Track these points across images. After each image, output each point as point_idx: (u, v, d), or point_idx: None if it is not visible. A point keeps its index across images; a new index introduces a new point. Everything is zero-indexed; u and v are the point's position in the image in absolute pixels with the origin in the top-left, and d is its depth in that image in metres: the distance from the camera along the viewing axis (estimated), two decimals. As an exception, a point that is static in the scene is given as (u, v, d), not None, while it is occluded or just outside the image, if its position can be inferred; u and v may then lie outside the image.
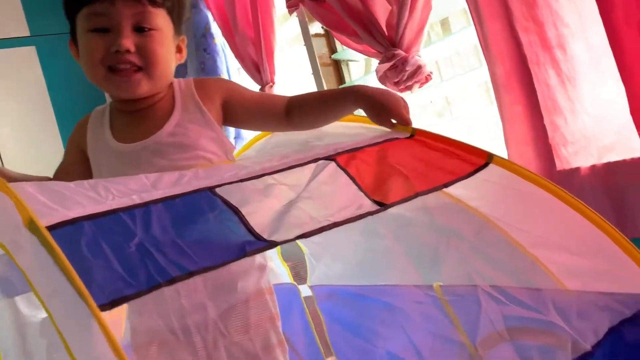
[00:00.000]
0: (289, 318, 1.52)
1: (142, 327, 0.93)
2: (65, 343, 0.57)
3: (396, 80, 1.65)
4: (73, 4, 1.02)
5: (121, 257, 0.61)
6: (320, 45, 2.16)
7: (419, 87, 1.67)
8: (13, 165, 2.89)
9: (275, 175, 0.85)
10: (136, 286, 0.56)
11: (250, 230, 0.71)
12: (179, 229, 0.68)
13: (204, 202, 0.75)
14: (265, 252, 1.21)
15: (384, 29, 1.73)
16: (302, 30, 2.18)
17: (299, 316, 1.53)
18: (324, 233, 1.37)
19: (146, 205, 0.71)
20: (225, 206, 0.74)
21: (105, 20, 0.98)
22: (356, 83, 2.09)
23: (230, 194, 0.77)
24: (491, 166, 0.97)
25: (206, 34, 2.66)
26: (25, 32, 3.11)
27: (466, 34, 1.70)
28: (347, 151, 0.95)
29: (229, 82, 1.17)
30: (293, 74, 2.38)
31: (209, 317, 0.96)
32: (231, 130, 2.28)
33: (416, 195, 0.89)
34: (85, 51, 1.01)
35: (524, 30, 1.39)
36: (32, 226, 0.62)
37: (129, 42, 0.97)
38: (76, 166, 1.12)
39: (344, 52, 2.14)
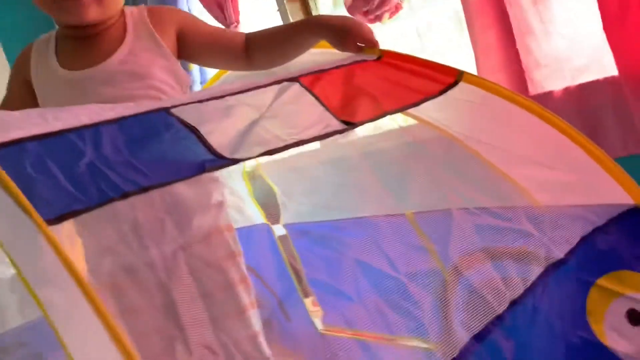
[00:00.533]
0: (264, 258, 1.51)
1: (94, 245, 0.90)
2: (13, 263, 0.54)
3: (365, 9, 1.59)
4: None
5: (69, 175, 0.57)
6: (293, 10, 2.07)
7: (389, 17, 1.62)
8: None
9: (236, 96, 0.80)
10: (85, 202, 0.53)
11: (209, 148, 0.68)
12: (132, 149, 0.64)
13: (159, 122, 0.71)
14: (230, 191, 1.18)
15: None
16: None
17: (274, 256, 1.52)
18: (295, 167, 1.35)
19: (96, 125, 0.66)
20: (181, 125, 0.70)
21: None
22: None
23: (187, 114, 0.73)
24: (461, 84, 0.93)
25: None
26: None
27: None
28: (312, 73, 0.91)
29: (185, 12, 1.11)
30: (258, 13, 2.29)
31: (166, 253, 0.94)
32: (197, 76, 2.21)
33: (384, 114, 0.86)
34: None
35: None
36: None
37: None
38: (21, 99, 1.05)
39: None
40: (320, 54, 1.12)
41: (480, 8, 1.40)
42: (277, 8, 2.10)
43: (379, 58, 1.00)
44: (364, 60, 1.00)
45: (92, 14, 0.96)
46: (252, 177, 1.49)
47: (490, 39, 1.40)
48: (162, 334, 0.95)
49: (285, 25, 1.10)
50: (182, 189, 0.96)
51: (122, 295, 0.96)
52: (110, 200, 0.54)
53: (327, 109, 0.84)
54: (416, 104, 0.91)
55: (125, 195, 0.55)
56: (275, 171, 1.44)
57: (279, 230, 1.49)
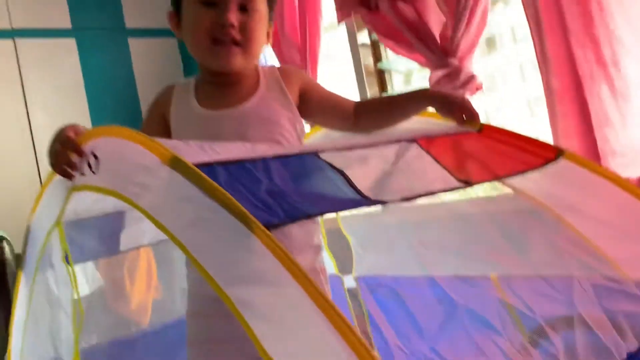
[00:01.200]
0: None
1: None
2: (205, 272, 0.62)
3: (449, 88, 1.71)
4: None
5: (256, 196, 0.66)
6: (365, 55, 2.23)
7: (470, 95, 1.73)
8: (44, 154, 2.96)
9: (366, 149, 0.90)
10: (280, 217, 0.61)
11: (355, 189, 0.77)
12: (296, 182, 0.74)
13: (312, 163, 0.81)
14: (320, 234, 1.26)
15: (438, 39, 1.80)
16: (349, 39, 2.26)
17: (342, 308, 1.57)
18: (375, 221, 1.42)
19: (264, 159, 0.76)
20: (331, 168, 0.80)
21: None
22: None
23: (333, 158, 0.82)
24: (561, 160, 1.02)
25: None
26: (67, 24, 3.18)
27: (513, 52, 1.77)
28: (425, 137, 1.01)
29: (308, 76, 1.24)
30: (335, 82, 2.45)
31: None
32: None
33: (496, 178, 0.95)
34: (192, 21, 1.07)
35: (580, 46, 1.46)
36: (174, 163, 0.68)
37: (234, 17, 1.04)
38: (156, 131, 1.16)
39: (389, 62, 2.21)
40: (416, 122, 1.23)
41: (561, 95, 1.50)
42: (355, 79, 2.25)
43: (479, 130, 1.10)
44: (467, 132, 1.10)
45: (238, 62, 1.08)
46: (328, 228, 1.57)
47: (569, 125, 1.49)
48: None
49: (394, 95, 1.22)
50: (294, 228, 1.04)
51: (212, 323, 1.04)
52: (299, 217, 0.62)
53: (445, 168, 0.93)
54: (521, 173, 0.99)
55: (309, 216, 0.64)
56: (353, 223, 1.51)
57: (348, 281, 1.55)
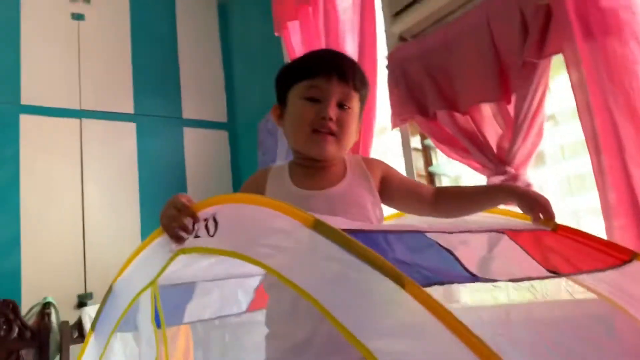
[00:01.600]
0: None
1: None
2: (341, 326, 0.68)
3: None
4: (297, 75, 1.26)
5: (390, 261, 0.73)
6: (416, 158, 2.37)
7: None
8: (92, 226, 3.06)
9: (462, 234, 0.98)
10: (420, 281, 0.68)
11: (465, 268, 0.84)
12: (413, 254, 0.81)
13: (422, 239, 0.88)
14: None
15: (494, 148, 1.93)
16: (402, 143, 2.40)
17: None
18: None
19: (385, 232, 0.84)
20: (439, 246, 0.87)
21: (319, 92, 1.23)
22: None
23: (437, 238, 0.90)
24: (635, 262, 1.09)
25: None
26: (130, 109, 3.42)
27: (571, 163, 1.88)
28: (511, 230, 1.09)
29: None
30: (382, 155, 2.56)
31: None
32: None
33: (581, 272, 1.01)
34: (297, 113, 1.24)
35: (636, 166, 1.56)
36: (317, 226, 0.76)
37: (333, 112, 1.21)
38: None
39: (439, 166, 2.34)
40: (487, 217, 1.31)
41: (617, 209, 1.58)
42: (402, 154, 2.38)
43: (554, 229, 1.18)
44: (543, 229, 1.17)
45: (332, 151, 1.23)
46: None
47: (626, 238, 1.56)
48: None
49: (476, 186, 1.33)
50: None
51: None
52: (439, 283, 0.69)
53: (534, 258, 1.00)
54: (601, 270, 1.06)
55: (441, 283, 0.71)
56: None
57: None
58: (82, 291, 2.97)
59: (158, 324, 1.19)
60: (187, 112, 3.59)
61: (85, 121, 3.24)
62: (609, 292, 1.08)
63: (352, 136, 1.26)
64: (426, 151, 2.40)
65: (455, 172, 2.33)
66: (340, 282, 0.72)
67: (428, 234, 0.91)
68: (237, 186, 3.48)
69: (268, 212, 0.86)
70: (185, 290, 1.55)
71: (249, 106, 3.53)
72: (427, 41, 2.20)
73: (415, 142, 2.40)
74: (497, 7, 1.94)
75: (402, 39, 2.39)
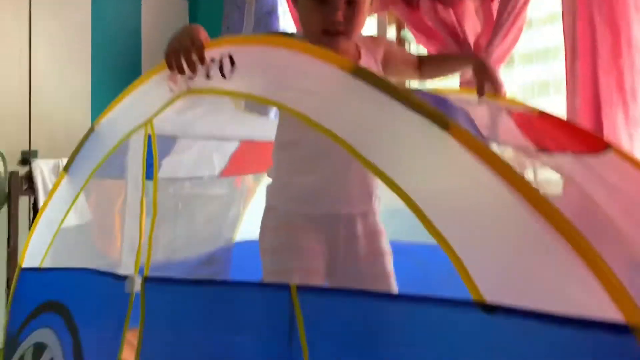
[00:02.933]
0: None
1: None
2: (375, 169, 0.72)
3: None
4: None
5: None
6: None
7: (493, 100, 1.91)
8: (39, 83, 2.90)
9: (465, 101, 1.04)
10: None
11: (478, 129, 0.90)
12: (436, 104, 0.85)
13: (440, 99, 0.93)
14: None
15: (472, 45, 1.97)
16: (378, 31, 2.40)
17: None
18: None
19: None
20: (456, 106, 0.92)
21: None
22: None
23: (452, 100, 0.95)
24: (610, 153, 1.19)
25: (271, 13, 2.82)
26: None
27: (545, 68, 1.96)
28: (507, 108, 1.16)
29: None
30: None
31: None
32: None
33: (566, 152, 1.10)
34: (306, 15, 1.21)
35: (605, 73, 1.66)
36: (357, 71, 0.78)
37: (341, 15, 1.17)
38: None
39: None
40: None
41: (581, 115, 1.70)
42: None
43: (540, 114, 1.25)
44: (529, 113, 1.25)
45: (342, 46, 1.21)
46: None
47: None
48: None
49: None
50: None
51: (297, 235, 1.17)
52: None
53: (526, 137, 1.08)
54: (583, 155, 1.15)
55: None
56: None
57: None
58: (26, 148, 2.86)
59: (148, 175, 1.18)
60: (148, -23, 3.36)
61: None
62: (582, 175, 1.19)
63: (362, 25, 1.24)
64: (400, 42, 2.41)
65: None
66: (379, 126, 0.75)
67: (442, 95, 0.95)
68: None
69: (298, 55, 0.86)
70: (165, 145, 1.53)
71: (214, -24, 3.34)
72: None
73: (391, 32, 2.40)
74: None
75: None
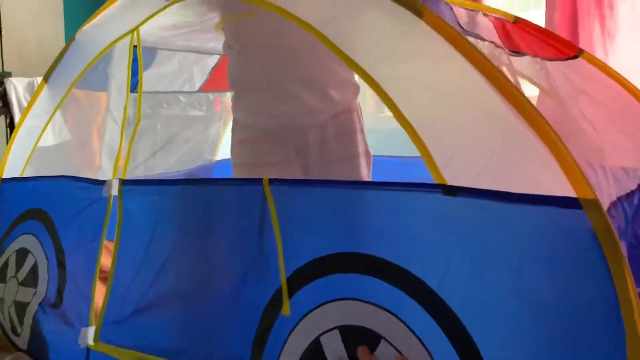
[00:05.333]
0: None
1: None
2: (347, 58, 0.72)
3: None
4: None
5: None
6: None
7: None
8: (11, 4, 2.80)
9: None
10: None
11: (458, 22, 0.90)
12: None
13: None
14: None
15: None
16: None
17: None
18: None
19: None
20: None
21: None
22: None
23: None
24: (580, 59, 1.21)
25: None
26: None
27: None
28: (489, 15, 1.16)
29: None
30: None
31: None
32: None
33: (537, 57, 1.12)
34: None
35: (584, -16, 1.66)
36: None
37: None
38: None
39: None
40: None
41: (558, 27, 1.70)
42: None
43: (515, 22, 1.26)
44: (505, 20, 1.25)
45: None
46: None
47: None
48: None
49: None
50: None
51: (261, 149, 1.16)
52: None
53: (500, 38, 1.09)
54: (552, 60, 1.17)
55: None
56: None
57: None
58: (-1, 70, 2.81)
59: (132, 88, 1.18)
60: None
61: None
62: (551, 77, 1.21)
63: None
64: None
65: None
66: (353, 16, 0.75)
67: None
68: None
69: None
70: (145, 57, 1.51)
71: None
72: None
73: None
74: None
75: None
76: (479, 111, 0.67)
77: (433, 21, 0.68)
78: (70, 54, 1.32)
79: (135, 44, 1.15)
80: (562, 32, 1.70)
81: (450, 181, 0.66)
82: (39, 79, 2.06)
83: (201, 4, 1.11)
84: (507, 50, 1.05)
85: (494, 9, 1.32)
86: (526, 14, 2.00)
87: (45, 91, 1.38)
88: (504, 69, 0.91)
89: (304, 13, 0.82)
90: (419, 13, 0.69)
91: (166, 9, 1.07)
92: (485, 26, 1.04)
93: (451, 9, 0.90)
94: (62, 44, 2.92)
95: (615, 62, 1.63)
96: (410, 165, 1.55)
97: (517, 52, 1.06)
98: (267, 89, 1.13)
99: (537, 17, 1.86)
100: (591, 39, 1.65)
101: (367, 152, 1.22)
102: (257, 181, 0.83)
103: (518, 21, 1.25)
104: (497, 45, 0.95)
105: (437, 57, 0.68)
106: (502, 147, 0.65)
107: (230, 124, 2.03)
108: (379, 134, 1.57)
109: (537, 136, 0.61)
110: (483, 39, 0.91)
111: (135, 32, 1.13)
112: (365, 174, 1.20)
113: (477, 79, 0.65)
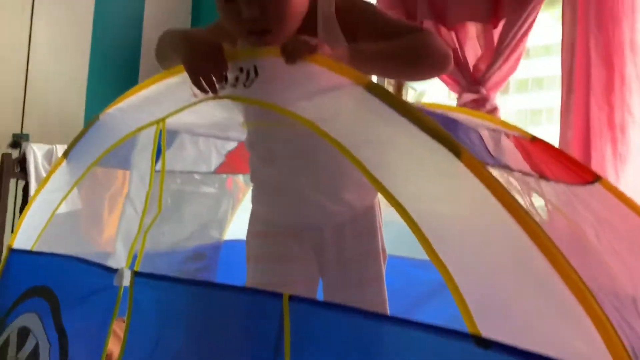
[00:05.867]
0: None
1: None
2: (382, 187, 0.74)
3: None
4: None
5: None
6: None
7: (487, 124, 1.95)
8: (37, 67, 2.89)
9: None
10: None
11: (488, 150, 0.93)
12: (452, 129, 0.88)
13: (447, 119, 0.96)
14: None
15: (471, 68, 2.02)
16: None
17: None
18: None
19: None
20: (467, 126, 0.95)
21: None
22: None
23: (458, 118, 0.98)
24: (597, 185, 1.23)
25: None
26: (95, -51, 3.16)
27: (538, 97, 2.01)
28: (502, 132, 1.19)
29: (370, 8, 1.11)
30: None
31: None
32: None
33: (559, 181, 1.14)
34: (223, 17, 1.04)
35: (598, 108, 1.72)
36: (371, 86, 0.80)
37: (254, 9, 0.96)
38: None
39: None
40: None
41: (572, 146, 1.75)
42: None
43: (532, 140, 1.29)
44: (523, 137, 1.29)
45: (277, 42, 0.95)
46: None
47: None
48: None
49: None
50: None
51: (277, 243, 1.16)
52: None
53: (525, 160, 1.11)
54: (575, 185, 1.19)
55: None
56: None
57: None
58: (18, 131, 2.85)
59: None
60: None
61: (42, -50, 2.97)
62: (572, 204, 1.22)
63: (296, 14, 1.01)
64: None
65: (421, 86, 2.41)
66: (388, 144, 0.77)
67: (450, 115, 0.98)
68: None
69: (315, 68, 0.87)
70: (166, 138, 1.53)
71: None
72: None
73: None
74: None
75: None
76: (516, 263, 0.66)
77: (470, 162, 0.69)
78: (92, 133, 1.34)
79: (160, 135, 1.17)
80: (576, 150, 1.74)
81: (483, 332, 0.64)
82: (59, 148, 2.09)
83: (230, 107, 1.14)
84: (535, 175, 1.07)
85: (510, 125, 1.35)
86: (537, 129, 2.06)
87: (63, 167, 1.40)
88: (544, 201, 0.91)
89: (337, 131, 0.83)
90: (457, 152, 0.70)
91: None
92: (511, 151, 1.06)
93: (480, 136, 0.93)
94: (82, 113, 2.99)
95: (626, 186, 1.67)
96: (422, 267, 1.54)
97: (544, 176, 1.08)
98: (285, 190, 1.15)
99: (549, 132, 1.92)
100: (604, 160, 1.69)
101: (384, 250, 1.21)
102: (277, 296, 0.82)
103: (535, 140, 1.28)
104: (525, 173, 0.96)
105: (474, 201, 0.68)
106: (538, 304, 0.64)
107: (241, 203, 2.07)
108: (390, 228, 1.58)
109: (577, 302, 0.60)
110: (512, 170, 0.92)
111: (160, 123, 1.15)
112: (380, 273, 1.18)
113: (514, 230, 0.65)
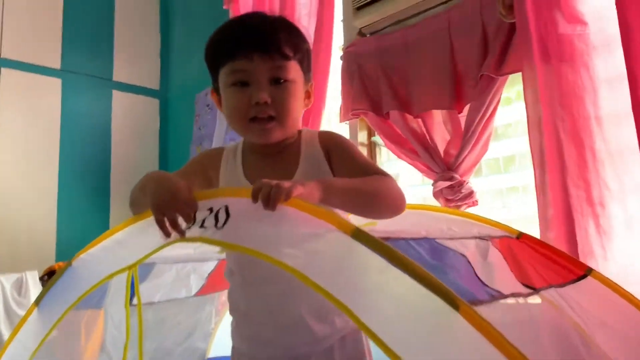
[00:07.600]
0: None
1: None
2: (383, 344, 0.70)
3: (450, 197, 1.92)
4: (217, 60, 1.15)
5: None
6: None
7: (466, 208, 1.94)
8: (5, 186, 2.83)
9: (459, 240, 1.05)
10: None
11: (477, 276, 0.90)
12: (439, 260, 0.85)
13: (434, 244, 0.93)
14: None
15: (442, 153, 2.03)
16: (350, 136, 2.45)
17: None
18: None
19: (404, 239, 0.88)
20: (454, 252, 0.93)
21: (245, 75, 1.09)
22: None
23: (445, 243, 0.96)
24: (589, 278, 1.21)
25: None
26: (56, 63, 3.19)
27: (513, 176, 2.02)
28: (487, 237, 1.17)
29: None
30: None
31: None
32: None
33: (550, 286, 1.11)
34: (230, 103, 1.13)
35: (574, 185, 1.71)
36: (356, 234, 0.77)
37: (266, 95, 1.08)
38: (197, 185, 1.17)
39: (382, 164, 2.42)
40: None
41: (553, 225, 1.73)
42: None
43: (518, 237, 1.27)
44: (508, 237, 1.27)
45: (276, 136, 1.12)
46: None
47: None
48: None
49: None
50: None
51: None
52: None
53: (511, 271, 1.09)
54: (562, 285, 1.17)
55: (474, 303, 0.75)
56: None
57: None
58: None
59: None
60: (118, 75, 3.40)
61: (4, 71, 2.98)
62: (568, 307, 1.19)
63: (296, 112, 1.14)
64: (371, 147, 2.46)
65: (395, 170, 2.41)
66: (380, 294, 0.73)
67: (437, 240, 0.96)
68: (163, 158, 3.35)
69: (296, 212, 0.85)
70: (143, 270, 1.49)
71: (186, 76, 3.40)
72: (386, 40, 2.25)
73: (362, 136, 2.46)
74: (460, 18, 2.02)
75: (361, 33, 2.41)
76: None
77: (469, 315, 0.66)
78: (64, 280, 1.28)
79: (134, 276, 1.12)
80: (557, 230, 1.73)
81: None
82: (28, 274, 2.00)
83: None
84: (525, 291, 1.05)
85: (496, 222, 1.34)
86: (515, 202, 2.05)
87: (34, 315, 1.33)
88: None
89: (319, 276, 0.79)
90: (455, 305, 0.67)
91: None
92: (499, 266, 1.04)
93: (468, 262, 0.91)
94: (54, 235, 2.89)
95: (615, 262, 1.65)
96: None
97: (532, 287, 1.06)
98: (269, 318, 1.10)
99: (527, 203, 1.91)
100: (588, 238, 1.67)
101: None
102: None
103: (522, 236, 1.27)
104: (515, 294, 0.94)
105: (478, 355, 0.65)
106: None
107: (224, 318, 2.00)
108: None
109: None
110: (504, 296, 0.90)
111: (133, 269, 1.11)
112: None
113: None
